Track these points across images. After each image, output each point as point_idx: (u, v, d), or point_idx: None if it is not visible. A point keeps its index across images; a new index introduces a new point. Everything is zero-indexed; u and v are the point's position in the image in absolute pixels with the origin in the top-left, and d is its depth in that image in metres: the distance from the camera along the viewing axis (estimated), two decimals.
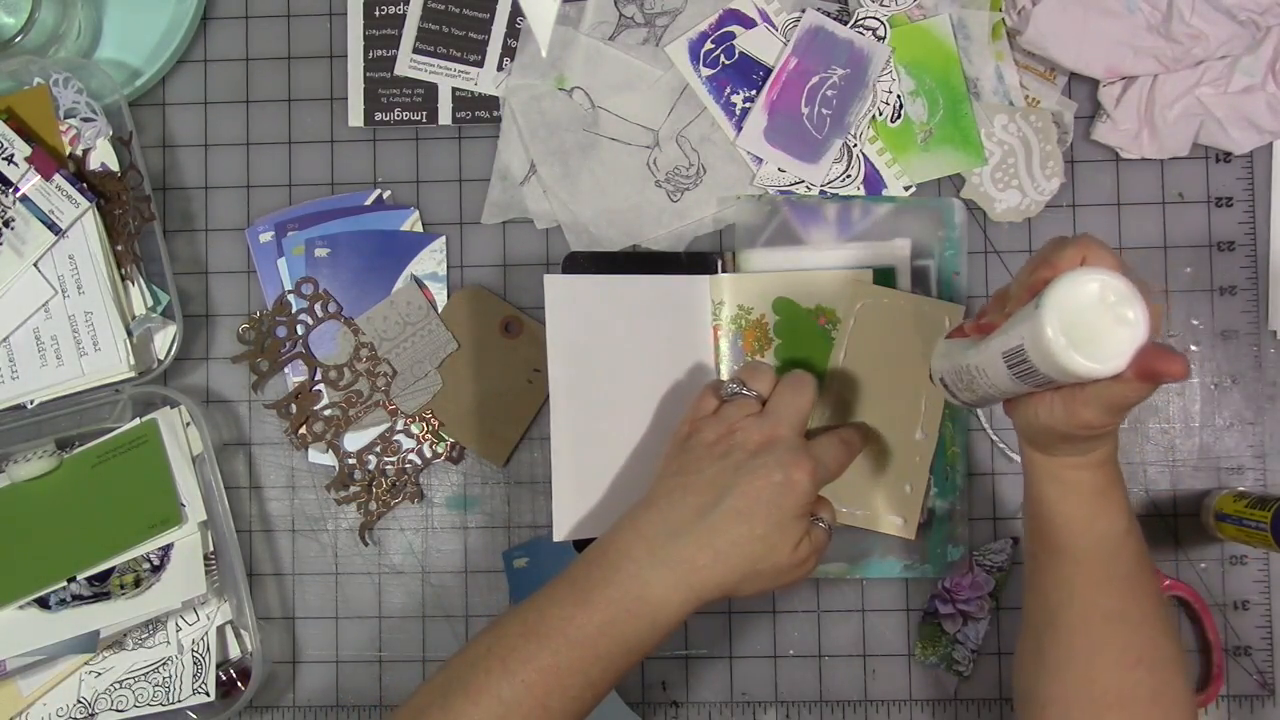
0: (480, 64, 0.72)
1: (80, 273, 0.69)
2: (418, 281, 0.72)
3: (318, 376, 0.72)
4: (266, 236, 0.73)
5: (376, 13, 0.73)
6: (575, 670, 0.52)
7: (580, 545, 0.64)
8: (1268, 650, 0.69)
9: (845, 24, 0.70)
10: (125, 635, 0.69)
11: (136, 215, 0.70)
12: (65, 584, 0.67)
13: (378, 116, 0.72)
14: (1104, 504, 0.53)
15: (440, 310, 0.72)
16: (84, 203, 0.68)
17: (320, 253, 0.72)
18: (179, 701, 0.68)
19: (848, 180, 0.70)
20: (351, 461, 0.72)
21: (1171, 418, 0.70)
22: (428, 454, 0.72)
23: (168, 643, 0.69)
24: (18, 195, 0.68)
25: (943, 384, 0.58)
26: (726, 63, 0.71)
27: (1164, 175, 0.70)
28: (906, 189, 0.70)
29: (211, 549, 0.69)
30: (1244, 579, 0.69)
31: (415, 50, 0.72)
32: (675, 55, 0.71)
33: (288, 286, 0.72)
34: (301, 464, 0.73)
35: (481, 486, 0.72)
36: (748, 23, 0.71)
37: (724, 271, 0.70)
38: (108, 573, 0.68)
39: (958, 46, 0.70)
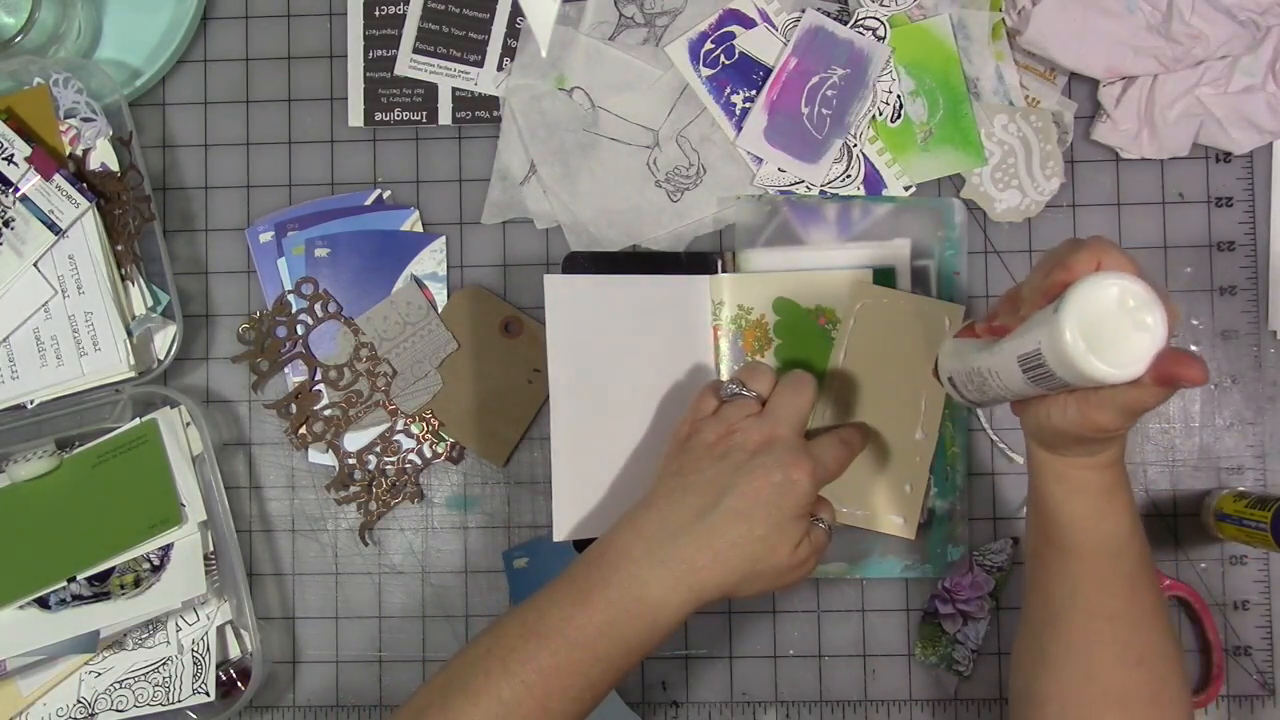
0: (480, 64, 0.72)
1: (80, 273, 0.69)
2: (418, 281, 0.72)
3: (318, 376, 0.72)
4: (266, 236, 0.73)
5: (376, 13, 0.73)
6: (575, 671, 0.52)
7: (580, 545, 0.64)
8: (1268, 650, 0.69)
9: (845, 24, 0.70)
10: (125, 635, 0.69)
11: (136, 215, 0.70)
12: (65, 584, 0.67)
13: (378, 116, 0.72)
14: (1110, 504, 0.53)
15: (440, 310, 0.72)
16: (84, 203, 0.68)
17: (320, 253, 0.72)
18: (179, 701, 0.68)
19: (848, 180, 0.70)
20: (351, 461, 0.72)
21: (1171, 418, 0.70)
22: (428, 454, 0.72)
23: (168, 643, 0.69)
24: (18, 195, 0.68)
25: (950, 383, 0.58)
26: (726, 63, 0.71)
27: (1164, 175, 0.70)
28: (906, 189, 0.70)
29: (211, 549, 0.69)
30: (1244, 579, 0.69)
31: (415, 50, 0.72)
32: (675, 55, 0.71)
33: (288, 286, 0.72)
34: (301, 464, 0.73)
35: (481, 486, 0.72)
36: (748, 23, 0.71)
37: (724, 271, 0.70)
38: (108, 573, 0.68)
39: (958, 46, 0.70)
